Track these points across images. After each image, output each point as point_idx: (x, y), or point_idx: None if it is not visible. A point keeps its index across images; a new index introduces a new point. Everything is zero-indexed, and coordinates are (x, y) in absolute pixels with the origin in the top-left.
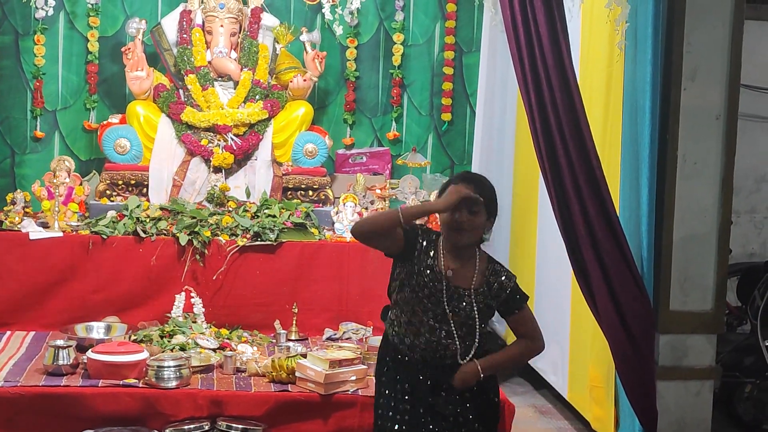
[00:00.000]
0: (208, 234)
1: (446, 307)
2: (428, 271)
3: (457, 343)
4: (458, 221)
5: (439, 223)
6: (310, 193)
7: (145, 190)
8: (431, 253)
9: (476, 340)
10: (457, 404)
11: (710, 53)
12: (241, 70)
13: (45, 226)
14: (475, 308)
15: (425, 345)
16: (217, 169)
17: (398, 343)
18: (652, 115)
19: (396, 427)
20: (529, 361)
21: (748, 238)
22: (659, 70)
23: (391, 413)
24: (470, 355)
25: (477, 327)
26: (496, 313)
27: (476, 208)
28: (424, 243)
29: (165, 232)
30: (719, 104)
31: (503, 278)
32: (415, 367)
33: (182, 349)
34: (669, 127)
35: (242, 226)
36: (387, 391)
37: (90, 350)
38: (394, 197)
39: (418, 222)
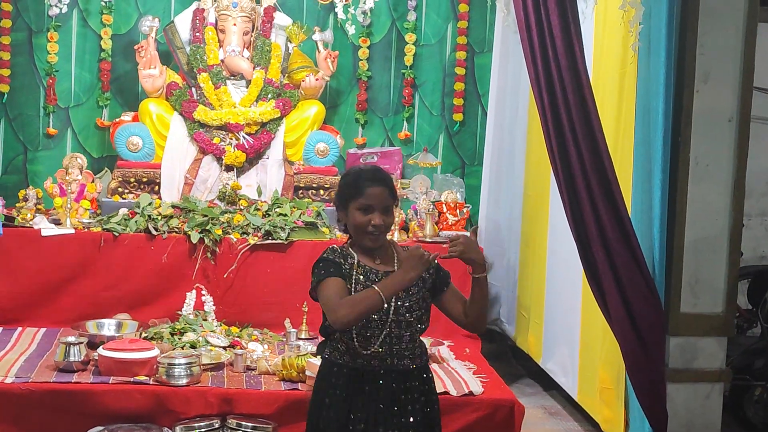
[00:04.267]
0: (220, 232)
1: (394, 302)
2: (362, 278)
3: (410, 336)
4: (377, 225)
5: (351, 227)
6: (322, 192)
7: (157, 187)
8: (353, 263)
9: (424, 326)
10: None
11: (723, 56)
12: (254, 68)
13: (57, 222)
14: (415, 289)
15: (384, 348)
16: (228, 168)
17: (354, 358)
18: (664, 117)
19: None
20: (540, 363)
21: (760, 241)
22: (672, 72)
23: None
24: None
25: (422, 311)
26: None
27: (390, 209)
28: (345, 263)
29: (176, 230)
30: (732, 107)
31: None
32: (376, 375)
33: (193, 346)
34: (681, 130)
35: (253, 225)
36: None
37: (101, 347)
38: (405, 197)
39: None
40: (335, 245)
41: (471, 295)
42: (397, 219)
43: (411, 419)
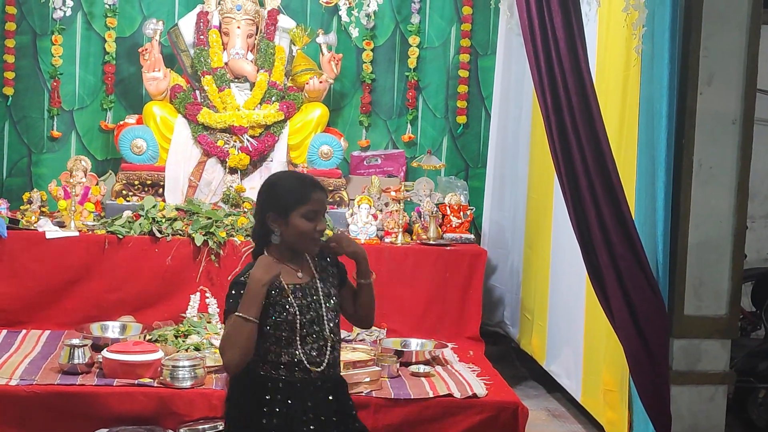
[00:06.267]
0: (224, 235)
1: (324, 311)
2: (292, 299)
3: (335, 336)
4: (322, 230)
5: (293, 236)
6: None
7: (161, 190)
8: (279, 285)
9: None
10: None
11: (727, 58)
12: (258, 71)
13: (61, 225)
14: (330, 290)
15: (316, 353)
16: (232, 170)
17: (292, 372)
18: (668, 119)
19: None
20: (543, 365)
21: (763, 243)
22: (676, 74)
23: None
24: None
25: (337, 310)
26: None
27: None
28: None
29: (180, 232)
30: (735, 109)
31: (326, 255)
32: (316, 387)
33: (197, 349)
34: (685, 132)
35: None
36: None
37: (105, 349)
38: (408, 200)
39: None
40: (251, 265)
41: (359, 299)
42: (400, 221)
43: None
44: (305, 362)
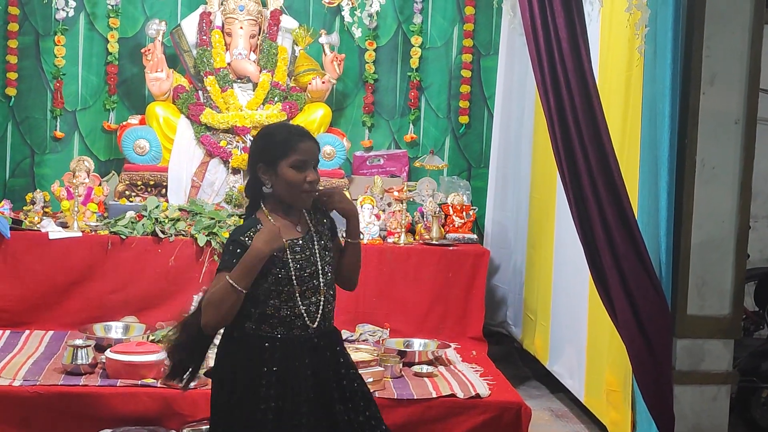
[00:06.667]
0: (227, 235)
1: (321, 262)
2: (281, 254)
3: (330, 290)
4: (312, 181)
5: (283, 187)
6: None
7: (164, 190)
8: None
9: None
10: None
11: (729, 58)
12: (260, 71)
13: (64, 226)
14: (326, 243)
15: (314, 307)
16: (235, 171)
17: (290, 329)
18: (671, 119)
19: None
20: (546, 365)
21: (766, 243)
22: (678, 74)
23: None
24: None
25: (332, 264)
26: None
27: (317, 163)
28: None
29: (183, 232)
30: (738, 109)
31: (318, 211)
32: (310, 341)
33: None
34: (688, 132)
35: None
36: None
37: (108, 350)
38: (411, 200)
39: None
40: (253, 221)
41: (345, 258)
42: (403, 221)
43: (354, 383)
44: (305, 317)
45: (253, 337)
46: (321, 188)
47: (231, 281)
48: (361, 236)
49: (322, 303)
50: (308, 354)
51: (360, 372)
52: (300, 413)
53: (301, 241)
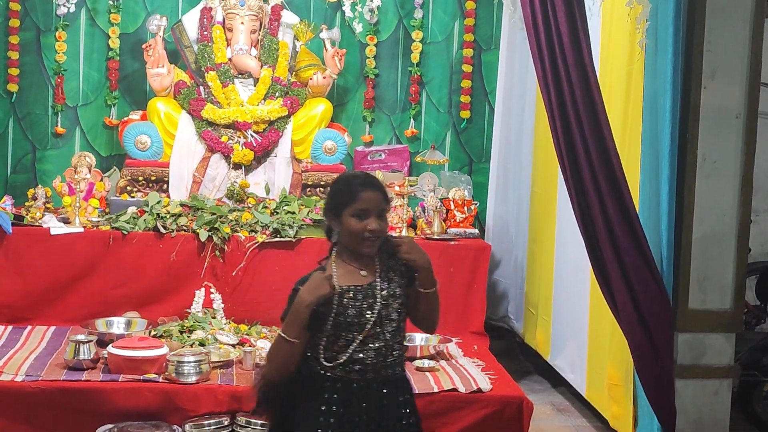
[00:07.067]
0: (228, 230)
1: (385, 310)
2: (344, 301)
3: (395, 338)
4: (373, 230)
5: (346, 235)
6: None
7: (165, 186)
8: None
9: (403, 325)
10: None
11: (730, 52)
12: (261, 67)
13: (66, 221)
14: (395, 290)
15: (374, 353)
16: (236, 166)
17: (349, 368)
18: (672, 113)
19: None
20: (548, 359)
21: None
22: (679, 68)
23: None
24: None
25: (401, 311)
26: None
27: (384, 212)
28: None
29: (185, 228)
30: (739, 103)
31: (393, 255)
32: (369, 388)
33: (202, 344)
34: (689, 126)
35: (261, 223)
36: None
37: (110, 345)
38: (412, 195)
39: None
40: (317, 269)
41: (419, 305)
42: (404, 216)
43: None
44: (366, 363)
45: (315, 376)
46: (394, 237)
47: (281, 333)
48: (436, 284)
49: (384, 350)
50: (365, 400)
51: None
52: None
53: (363, 288)
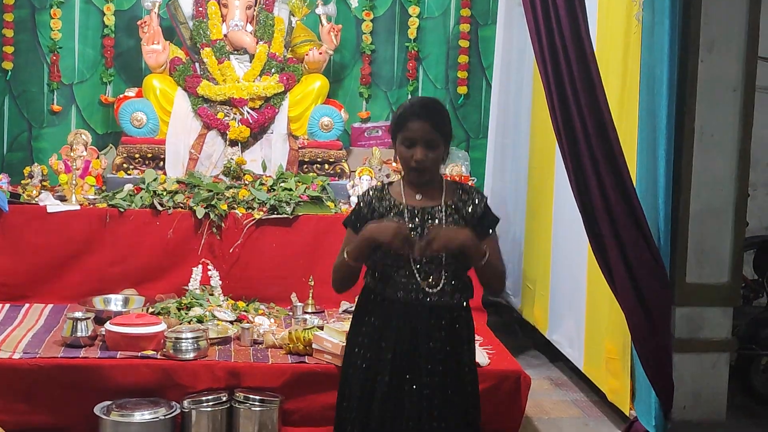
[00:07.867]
0: (225, 207)
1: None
2: (392, 215)
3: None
4: (418, 160)
5: (399, 159)
6: (326, 166)
7: (161, 163)
8: (389, 203)
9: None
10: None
11: (728, 25)
12: (257, 43)
13: (62, 199)
14: (457, 219)
15: (425, 274)
16: (233, 143)
17: (380, 289)
18: (669, 87)
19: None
20: (546, 334)
21: (765, 210)
22: (677, 41)
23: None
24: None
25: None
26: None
27: (434, 142)
28: (380, 205)
29: (182, 205)
30: (736, 76)
31: (474, 196)
32: (416, 308)
33: (200, 321)
34: (686, 100)
35: (258, 200)
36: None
37: (108, 322)
38: None
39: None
40: (384, 184)
41: (478, 275)
42: None
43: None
44: (417, 282)
45: (368, 289)
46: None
47: (346, 251)
48: (485, 257)
49: (434, 273)
50: (407, 318)
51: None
52: (381, 371)
53: (423, 209)
